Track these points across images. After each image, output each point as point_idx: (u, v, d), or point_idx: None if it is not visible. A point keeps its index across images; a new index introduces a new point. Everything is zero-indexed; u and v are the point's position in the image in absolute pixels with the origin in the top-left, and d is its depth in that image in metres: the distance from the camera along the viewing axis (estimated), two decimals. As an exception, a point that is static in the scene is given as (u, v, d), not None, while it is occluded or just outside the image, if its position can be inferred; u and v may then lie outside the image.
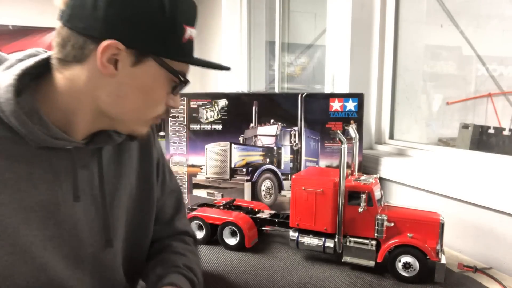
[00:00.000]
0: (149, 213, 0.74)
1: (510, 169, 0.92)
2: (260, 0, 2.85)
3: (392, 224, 0.78)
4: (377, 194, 0.82)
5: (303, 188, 0.85)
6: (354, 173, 0.90)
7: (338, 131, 0.87)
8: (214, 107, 1.18)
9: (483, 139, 1.24)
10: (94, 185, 0.63)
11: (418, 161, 1.15)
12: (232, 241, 0.93)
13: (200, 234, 0.96)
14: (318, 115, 1.12)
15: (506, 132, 1.22)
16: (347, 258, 0.82)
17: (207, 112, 1.18)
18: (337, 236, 0.82)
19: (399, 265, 0.77)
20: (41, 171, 0.55)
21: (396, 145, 1.32)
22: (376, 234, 0.79)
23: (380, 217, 0.78)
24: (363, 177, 0.86)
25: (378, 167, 1.18)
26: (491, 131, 1.25)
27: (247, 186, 1.17)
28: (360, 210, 0.80)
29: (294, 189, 0.86)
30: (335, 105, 1.11)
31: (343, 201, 0.81)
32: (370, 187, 0.80)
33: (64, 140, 0.57)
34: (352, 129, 0.88)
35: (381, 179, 1.18)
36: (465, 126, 1.31)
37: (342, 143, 0.80)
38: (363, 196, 0.79)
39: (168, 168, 0.80)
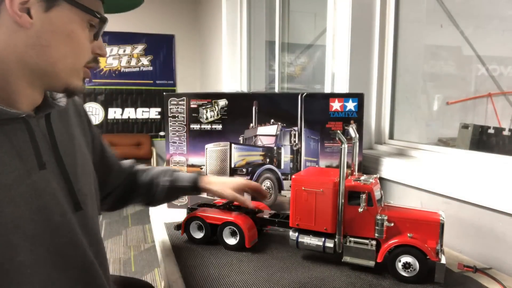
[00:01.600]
0: (90, 166, 0.80)
1: (510, 169, 0.92)
2: (260, 0, 2.85)
3: (392, 224, 0.78)
4: (377, 194, 0.82)
5: (303, 188, 0.85)
6: (354, 173, 0.90)
7: (338, 131, 0.88)
8: (214, 107, 1.18)
9: (483, 139, 1.24)
10: (53, 152, 0.65)
11: (418, 161, 1.15)
12: (232, 241, 0.93)
13: (199, 234, 0.96)
14: (318, 115, 1.12)
15: (506, 132, 1.22)
16: (347, 258, 0.82)
17: (207, 112, 1.18)
18: (337, 236, 0.82)
19: (399, 265, 0.77)
20: (2, 149, 0.56)
21: (396, 145, 1.32)
22: (376, 234, 0.79)
23: (380, 217, 0.78)
24: (363, 177, 0.86)
25: (378, 167, 1.18)
26: (491, 131, 1.25)
27: (247, 186, 1.17)
28: (360, 210, 0.80)
29: (294, 189, 0.86)
30: (335, 105, 1.11)
31: (343, 201, 0.81)
32: (370, 187, 0.80)
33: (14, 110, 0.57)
34: (352, 129, 0.88)
35: (381, 179, 1.17)
36: (465, 126, 1.31)
37: (342, 143, 0.80)
38: (363, 196, 0.79)
39: (91, 120, 0.87)
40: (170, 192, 0.95)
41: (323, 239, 0.84)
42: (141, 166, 1.01)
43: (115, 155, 0.96)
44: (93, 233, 0.71)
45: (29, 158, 0.59)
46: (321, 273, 0.80)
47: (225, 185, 0.97)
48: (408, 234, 0.77)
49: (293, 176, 0.87)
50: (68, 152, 0.69)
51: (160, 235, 1.03)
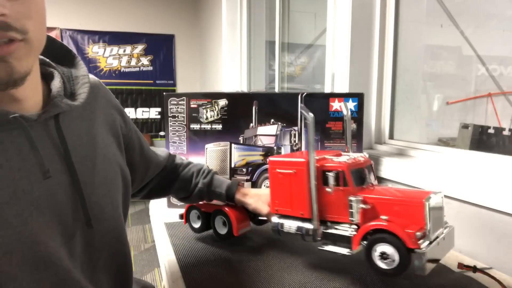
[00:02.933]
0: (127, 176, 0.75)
1: (510, 169, 0.92)
2: (260, 0, 2.85)
3: (370, 207, 0.69)
4: (362, 173, 0.74)
5: (277, 170, 0.78)
6: (349, 152, 0.84)
7: (302, 105, 0.81)
8: (214, 107, 1.18)
9: (483, 139, 1.24)
10: (65, 160, 0.59)
11: (418, 161, 1.15)
12: (223, 230, 0.93)
13: (198, 223, 0.97)
14: (318, 115, 1.12)
15: (506, 132, 1.22)
16: (324, 246, 0.75)
17: (207, 112, 1.18)
18: (313, 222, 0.75)
19: (375, 255, 0.66)
20: (1, 159, 0.52)
21: (396, 145, 1.32)
22: (350, 218, 0.71)
23: (353, 199, 0.70)
24: (344, 156, 0.78)
25: (378, 167, 1.18)
26: (491, 131, 1.25)
27: (247, 186, 1.17)
28: (329, 190, 0.72)
29: (271, 172, 0.80)
30: (335, 105, 1.11)
31: (315, 182, 0.73)
32: (343, 166, 0.72)
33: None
34: (344, 106, 0.82)
35: (381, 179, 1.17)
36: (465, 126, 1.31)
37: (306, 118, 0.73)
38: (331, 175, 0.71)
39: (127, 115, 0.82)
40: (205, 195, 0.93)
41: (302, 224, 0.77)
42: (181, 160, 0.99)
43: (149, 147, 0.93)
44: (105, 248, 0.66)
45: (31, 169, 0.54)
46: (321, 273, 0.80)
47: (261, 200, 0.92)
48: (382, 217, 0.67)
49: (269, 158, 0.83)
50: (85, 158, 0.62)
51: (160, 235, 1.03)
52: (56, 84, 0.62)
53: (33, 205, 0.54)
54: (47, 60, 0.65)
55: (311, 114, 0.72)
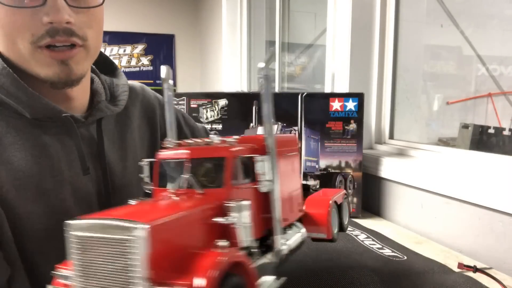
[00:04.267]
0: None
1: (510, 169, 0.92)
2: (260, 0, 2.85)
3: None
4: (180, 169, 0.46)
5: None
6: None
7: (165, 77, 0.58)
8: (214, 106, 1.18)
9: (483, 139, 1.24)
10: (99, 160, 0.64)
11: (418, 161, 1.15)
12: None
13: None
14: (318, 115, 1.12)
15: (506, 132, 1.23)
16: None
17: (207, 112, 1.18)
18: None
19: None
20: (47, 152, 0.57)
21: (396, 145, 1.32)
22: None
23: (132, 202, 0.46)
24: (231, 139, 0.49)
25: (378, 167, 1.18)
26: (491, 131, 1.25)
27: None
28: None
29: None
30: (335, 105, 1.11)
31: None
32: (158, 155, 0.48)
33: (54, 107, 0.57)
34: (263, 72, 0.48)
35: (381, 179, 1.18)
36: (465, 126, 1.31)
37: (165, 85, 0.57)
38: (145, 165, 0.50)
39: (187, 119, 0.86)
40: None
41: None
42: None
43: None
44: None
45: (73, 163, 0.59)
46: (320, 270, 0.80)
47: None
48: None
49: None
50: (116, 161, 0.67)
51: (160, 235, 1.02)
52: (99, 89, 0.68)
53: (73, 196, 0.59)
54: (93, 67, 0.71)
55: (171, 82, 0.58)
